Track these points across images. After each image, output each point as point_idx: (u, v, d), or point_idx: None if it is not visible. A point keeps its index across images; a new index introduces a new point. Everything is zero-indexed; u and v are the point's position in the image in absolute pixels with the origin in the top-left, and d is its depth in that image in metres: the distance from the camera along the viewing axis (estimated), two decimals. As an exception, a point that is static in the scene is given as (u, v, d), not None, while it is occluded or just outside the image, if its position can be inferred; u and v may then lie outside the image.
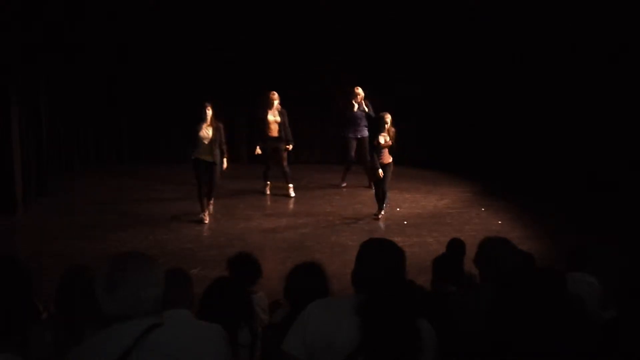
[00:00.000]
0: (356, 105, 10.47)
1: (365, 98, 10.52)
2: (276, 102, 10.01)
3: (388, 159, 8.95)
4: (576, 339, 2.51)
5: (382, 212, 9.12)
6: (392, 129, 8.94)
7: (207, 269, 6.80)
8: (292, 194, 10.34)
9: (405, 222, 9.04)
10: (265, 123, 10.02)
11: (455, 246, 5.38)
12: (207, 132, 8.60)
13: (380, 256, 2.53)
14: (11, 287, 1.92)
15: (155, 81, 12.31)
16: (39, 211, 9.35)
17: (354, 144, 10.62)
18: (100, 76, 12.19)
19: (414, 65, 12.13)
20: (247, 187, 10.61)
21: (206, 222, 8.79)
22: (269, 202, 10.09)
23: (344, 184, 10.94)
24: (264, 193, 10.36)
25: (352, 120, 10.53)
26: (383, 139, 8.83)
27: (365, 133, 10.50)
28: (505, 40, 11.18)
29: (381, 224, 9.01)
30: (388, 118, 8.89)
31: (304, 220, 9.29)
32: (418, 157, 12.17)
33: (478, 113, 11.86)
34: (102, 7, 11.41)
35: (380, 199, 9.09)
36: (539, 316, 2.52)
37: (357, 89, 10.50)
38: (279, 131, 10.04)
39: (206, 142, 8.58)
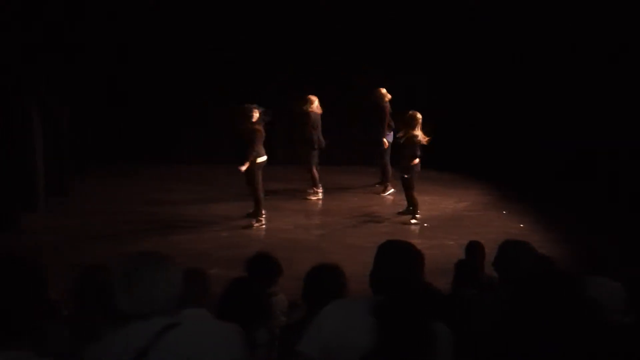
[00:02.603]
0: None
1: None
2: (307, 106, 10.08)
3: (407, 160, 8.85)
4: (591, 343, 2.47)
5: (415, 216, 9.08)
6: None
7: (225, 269, 6.80)
8: (313, 197, 10.37)
9: (426, 225, 8.99)
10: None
11: (474, 249, 5.34)
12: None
13: (397, 258, 2.52)
14: (25, 286, 1.93)
15: (164, 81, 12.36)
16: (59, 211, 9.44)
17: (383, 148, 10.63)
18: (112, 76, 12.24)
19: (434, 66, 12.06)
20: (266, 188, 10.61)
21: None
22: (287, 204, 10.09)
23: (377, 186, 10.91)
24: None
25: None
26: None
27: (390, 137, 10.46)
28: (520, 39, 11.09)
29: (413, 225, 8.98)
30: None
31: (321, 221, 9.29)
32: (437, 160, 12.09)
33: (500, 115, 11.76)
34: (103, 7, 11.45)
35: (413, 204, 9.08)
36: (553, 319, 2.48)
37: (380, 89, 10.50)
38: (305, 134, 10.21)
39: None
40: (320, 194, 10.40)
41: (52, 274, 2.77)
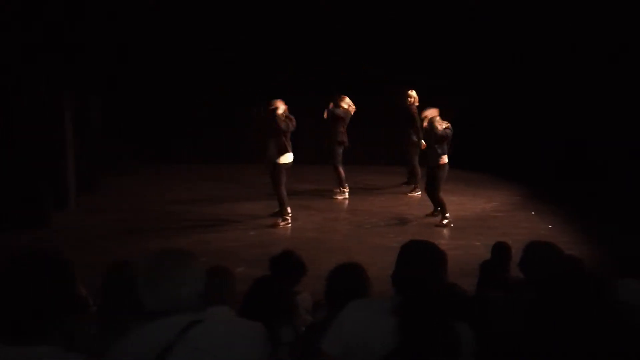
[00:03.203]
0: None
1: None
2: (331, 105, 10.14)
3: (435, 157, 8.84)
4: (617, 345, 2.42)
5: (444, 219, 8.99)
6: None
7: (251, 267, 6.84)
8: (339, 197, 10.36)
9: (452, 225, 8.92)
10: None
11: (500, 250, 5.29)
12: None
13: (419, 258, 2.52)
14: (54, 281, 1.96)
15: (176, 80, 12.44)
16: (89, 208, 9.59)
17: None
18: (117, 76, 12.33)
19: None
20: (292, 187, 10.64)
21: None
22: (313, 203, 10.10)
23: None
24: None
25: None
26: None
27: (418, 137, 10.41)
28: (555, 36, 10.97)
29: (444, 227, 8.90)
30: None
31: (347, 220, 9.27)
32: (465, 160, 12.02)
33: (526, 114, 11.65)
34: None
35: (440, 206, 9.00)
36: (577, 320, 2.44)
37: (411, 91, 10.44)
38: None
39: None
40: (346, 194, 10.39)
41: (80, 271, 2.82)
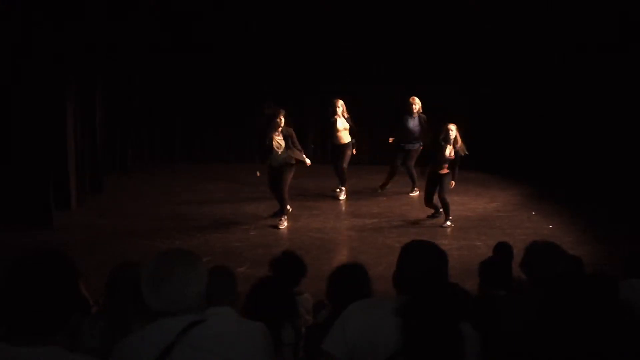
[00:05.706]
0: (414, 117, 10.22)
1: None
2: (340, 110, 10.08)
3: (445, 169, 8.79)
4: (625, 345, 2.43)
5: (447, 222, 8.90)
6: (460, 141, 8.71)
7: (253, 267, 6.86)
8: (340, 196, 10.33)
9: (453, 225, 8.92)
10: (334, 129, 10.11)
11: (502, 250, 5.28)
12: (279, 142, 8.64)
13: (420, 258, 2.52)
14: (55, 282, 1.96)
15: (209, 82, 12.45)
16: (92, 208, 9.59)
17: (400, 154, 10.47)
18: (156, 75, 12.35)
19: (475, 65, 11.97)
20: (295, 187, 10.64)
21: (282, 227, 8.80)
22: (316, 203, 10.09)
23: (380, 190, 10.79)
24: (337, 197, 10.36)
25: (404, 130, 10.34)
26: (449, 150, 8.70)
27: (415, 146, 10.31)
28: (559, 36, 10.96)
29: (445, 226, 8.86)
30: (453, 128, 8.69)
31: (351, 221, 9.27)
32: (468, 159, 11.99)
33: (529, 114, 11.63)
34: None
35: (444, 207, 8.92)
36: (585, 322, 2.44)
37: (414, 99, 10.28)
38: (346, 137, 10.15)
39: (279, 151, 8.63)
40: (343, 194, 10.33)
41: (83, 271, 2.83)
